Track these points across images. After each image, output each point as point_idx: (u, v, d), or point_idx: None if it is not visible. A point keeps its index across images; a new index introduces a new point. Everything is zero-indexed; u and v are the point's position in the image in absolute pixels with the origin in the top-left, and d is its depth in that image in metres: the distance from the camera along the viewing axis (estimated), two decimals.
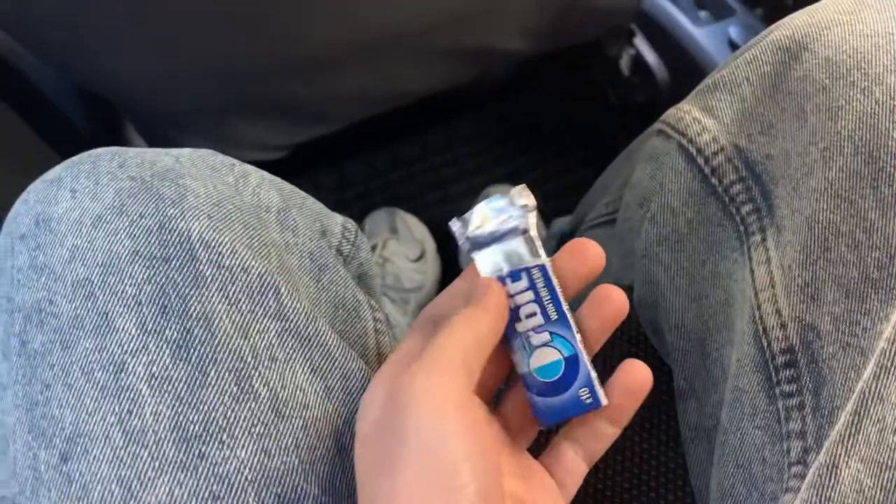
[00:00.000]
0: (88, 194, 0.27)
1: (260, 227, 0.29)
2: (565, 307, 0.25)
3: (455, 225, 0.27)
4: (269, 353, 0.27)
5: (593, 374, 0.25)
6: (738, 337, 0.31)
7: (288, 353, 0.27)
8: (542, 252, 0.25)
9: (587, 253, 0.26)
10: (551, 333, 0.25)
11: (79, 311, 0.25)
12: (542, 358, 0.25)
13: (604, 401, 0.25)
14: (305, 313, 0.28)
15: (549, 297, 0.25)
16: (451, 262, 0.83)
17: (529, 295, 0.25)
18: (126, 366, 0.25)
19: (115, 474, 0.24)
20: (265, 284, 0.27)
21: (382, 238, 0.82)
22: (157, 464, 0.24)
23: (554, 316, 0.25)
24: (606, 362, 0.29)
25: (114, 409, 0.24)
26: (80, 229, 0.26)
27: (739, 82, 0.34)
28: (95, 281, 0.26)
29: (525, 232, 0.26)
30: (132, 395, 0.24)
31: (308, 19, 0.62)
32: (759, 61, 0.33)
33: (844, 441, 0.24)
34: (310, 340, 0.28)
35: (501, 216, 0.26)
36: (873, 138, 0.28)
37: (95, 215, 0.27)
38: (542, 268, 0.25)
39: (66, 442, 0.24)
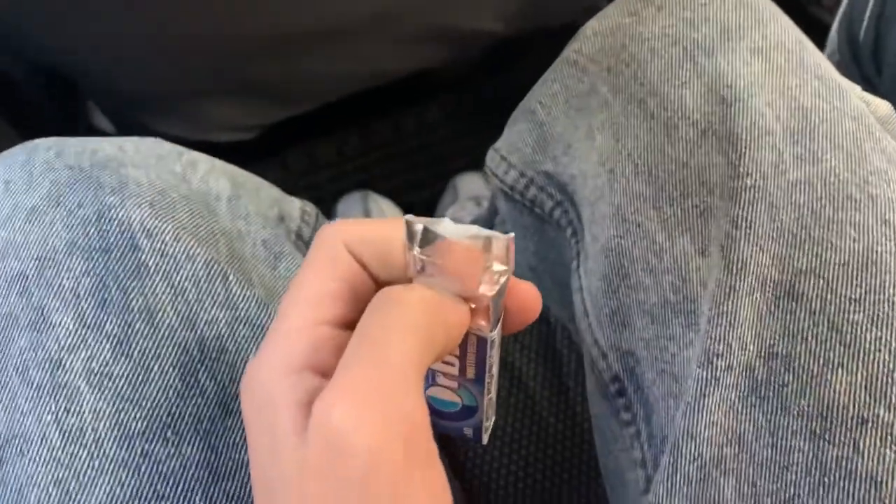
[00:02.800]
0: (23, 186, 0.26)
1: (208, 215, 0.28)
2: (488, 375, 0.22)
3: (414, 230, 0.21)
4: (217, 343, 0.26)
5: (486, 423, 0.24)
6: (585, 364, 0.30)
7: (239, 344, 0.26)
8: (497, 325, 0.21)
9: (526, 300, 0.21)
10: (461, 385, 0.23)
11: (13, 309, 0.24)
12: (442, 393, 0.23)
13: (485, 441, 0.24)
14: (258, 301, 0.27)
15: (474, 362, 0.22)
16: None
17: (457, 350, 0.21)
18: (63, 363, 0.24)
19: (52, 476, 0.23)
20: (213, 272, 0.27)
21: None
22: (96, 463, 0.23)
23: (471, 375, 0.22)
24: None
25: (50, 408, 0.23)
26: (13, 223, 0.25)
27: (533, 108, 0.32)
28: (30, 276, 0.25)
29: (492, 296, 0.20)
30: (70, 393, 0.24)
31: None
32: (549, 81, 0.32)
33: (665, 481, 0.23)
34: (263, 329, 0.27)
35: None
36: (651, 156, 0.27)
37: (30, 207, 0.26)
38: (485, 341, 0.21)
39: (0, 445, 0.23)
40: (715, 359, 0.23)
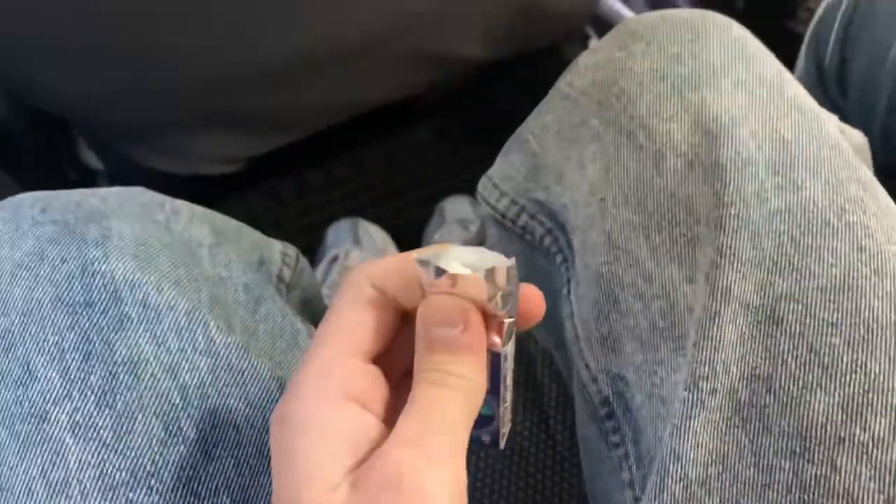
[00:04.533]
0: (8, 242, 0.27)
1: (190, 264, 0.29)
2: (503, 387, 0.24)
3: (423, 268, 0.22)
4: (200, 391, 0.26)
5: (503, 430, 0.25)
6: (574, 388, 0.31)
7: (220, 390, 0.27)
8: (510, 341, 0.23)
9: (531, 301, 0.23)
10: None
11: None
12: None
13: (501, 446, 0.25)
14: (238, 347, 0.28)
15: (490, 376, 0.23)
16: None
17: None
18: (49, 415, 0.24)
19: None
20: (193, 321, 0.27)
21: (345, 248, 0.81)
22: None
23: (487, 388, 0.23)
24: None
25: (36, 460, 0.24)
26: None
27: (526, 138, 0.33)
28: (16, 331, 0.25)
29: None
30: (55, 446, 0.24)
31: (270, 29, 0.61)
32: (542, 112, 0.33)
33: (652, 501, 0.24)
34: (243, 374, 0.28)
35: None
36: (640, 186, 0.28)
37: (15, 263, 0.26)
38: (499, 356, 0.23)
39: None
40: (700, 382, 0.24)
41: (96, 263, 0.26)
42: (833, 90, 0.43)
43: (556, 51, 0.81)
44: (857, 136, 0.31)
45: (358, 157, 0.89)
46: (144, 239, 0.28)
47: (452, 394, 0.20)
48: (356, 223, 0.84)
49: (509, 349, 0.23)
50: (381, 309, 0.21)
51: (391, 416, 0.20)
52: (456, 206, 0.81)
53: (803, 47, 0.46)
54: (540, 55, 0.81)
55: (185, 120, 0.71)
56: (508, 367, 0.23)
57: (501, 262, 0.21)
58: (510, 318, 0.22)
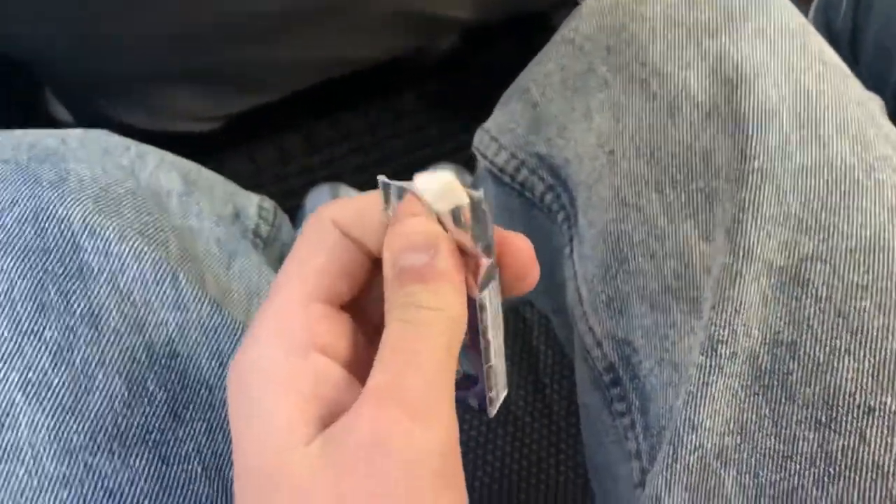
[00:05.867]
0: None
1: (157, 213, 0.27)
2: (483, 341, 0.21)
3: (388, 190, 0.20)
4: (168, 348, 0.24)
5: (491, 394, 0.22)
6: (576, 353, 0.30)
7: (191, 348, 0.25)
8: (487, 287, 0.20)
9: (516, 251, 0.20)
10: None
11: None
12: None
13: (491, 414, 0.23)
14: (211, 302, 0.26)
15: (467, 327, 0.20)
16: None
17: None
18: None
19: None
20: (161, 273, 0.25)
21: None
22: (35, 482, 0.21)
23: (466, 341, 0.21)
24: None
25: None
26: None
27: (527, 87, 0.32)
28: None
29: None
30: (5, 406, 0.22)
31: None
32: (544, 60, 0.31)
33: (664, 472, 0.23)
34: (216, 331, 0.26)
35: None
36: (653, 137, 0.26)
37: None
38: (473, 302, 0.20)
39: None
40: (719, 346, 0.23)
41: (51, 207, 0.24)
42: (844, 55, 0.41)
43: (544, 18, 0.79)
44: (876, 100, 0.29)
45: (341, 121, 0.87)
46: (107, 183, 0.26)
47: (429, 330, 0.17)
48: (336, 188, 0.82)
49: (488, 297, 0.20)
50: (346, 251, 0.19)
51: (366, 369, 0.18)
52: None
53: (811, 10, 0.44)
54: (530, 21, 0.79)
55: (157, 73, 0.69)
56: (489, 319, 0.20)
57: (469, 194, 0.18)
58: (487, 258, 0.19)
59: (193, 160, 0.33)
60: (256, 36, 0.65)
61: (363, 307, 0.20)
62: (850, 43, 0.41)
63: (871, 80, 0.39)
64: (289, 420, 0.17)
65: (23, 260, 0.23)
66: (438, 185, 0.19)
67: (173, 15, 0.61)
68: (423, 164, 0.83)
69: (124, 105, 0.71)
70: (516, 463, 0.34)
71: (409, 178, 0.20)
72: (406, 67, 0.83)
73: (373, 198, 0.19)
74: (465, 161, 0.80)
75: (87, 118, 0.76)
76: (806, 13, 0.46)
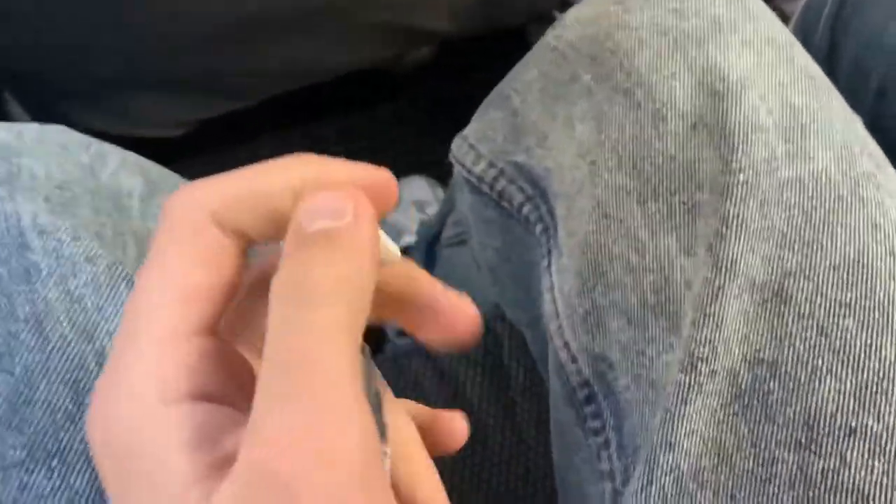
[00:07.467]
0: None
1: (117, 214, 0.26)
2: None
3: None
4: None
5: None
6: (550, 369, 0.29)
7: None
8: None
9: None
10: None
11: None
12: None
13: None
14: None
15: None
16: None
17: None
18: None
19: None
20: (116, 277, 0.24)
21: None
22: None
23: None
24: None
25: None
26: None
27: (507, 94, 0.31)
28: None
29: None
30: None
31: None
32: (526, 67, 0.31)
33: (638, 493, 0.22)
34: None
35: None
36: (636, 148, 0.26)
37: None
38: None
39: None
40: (699, 363, 0.22)
41: (0, 203, 0.23)
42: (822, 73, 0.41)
43: (523, 33, 0.79)
44: (858, 118, 0.29)
45: (315, 129, 0.86)
46: (62, 181, 0.25)
47: (328, 312, 0.14)
48: None
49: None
50: (228, 256, 0.15)
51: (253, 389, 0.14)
52: (413, 187, 0.78)
53: (789, 28, 0.44)
54: (508, 37, 0.79)
55: (128, 79, 0.67)
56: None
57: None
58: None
59: (163, 166, 0.32)
60: (232, 44, 0.65)
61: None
62: (826, 58, 0.41)
63: (848, 99, 0.39)
64: (183, 483, 0.14)
65: None
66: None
67: (150, 21, 0.59)
68: (397, 176, 0.82)
69: (91, 111, 0.69)
70: (485, 483, 0.33)
71: None
72: (382, 80, 0.83)
73: (266, 176, 0.16)
74: (437, 175, 0.79)
75: (49, 121, 0.74)
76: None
